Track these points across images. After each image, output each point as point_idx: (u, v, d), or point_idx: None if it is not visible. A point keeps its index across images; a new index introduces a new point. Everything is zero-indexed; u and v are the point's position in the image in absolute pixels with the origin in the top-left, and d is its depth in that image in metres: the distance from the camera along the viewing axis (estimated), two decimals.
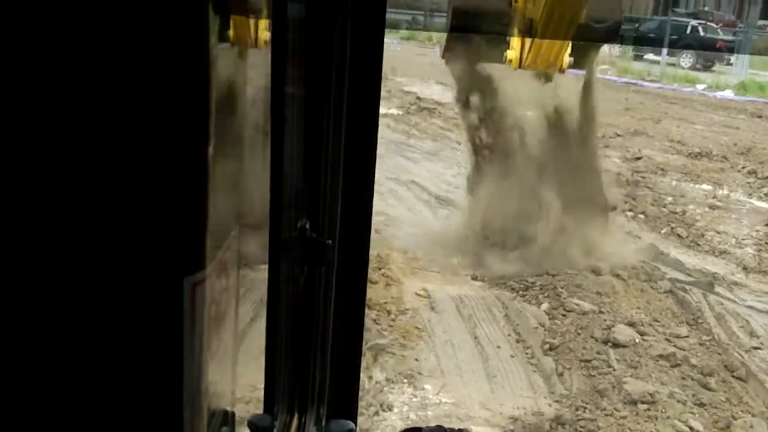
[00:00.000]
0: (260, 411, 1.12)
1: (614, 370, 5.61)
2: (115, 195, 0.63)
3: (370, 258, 1.14)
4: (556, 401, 5.24)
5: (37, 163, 0.63)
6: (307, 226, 1.06)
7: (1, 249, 0.64)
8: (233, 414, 0.86)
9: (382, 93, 1.06)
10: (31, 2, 0.59)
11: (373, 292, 6.15)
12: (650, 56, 23.25)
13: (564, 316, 6.44)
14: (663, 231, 8.91)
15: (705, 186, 10.83)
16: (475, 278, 7.36)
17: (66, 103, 0.61)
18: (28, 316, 0.66)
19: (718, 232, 8.97)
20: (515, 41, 7.91)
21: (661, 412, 5.14)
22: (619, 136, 12.91)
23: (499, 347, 5.96)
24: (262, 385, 1.12)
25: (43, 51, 0.60)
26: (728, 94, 19.16)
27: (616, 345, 5.95)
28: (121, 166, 0.63)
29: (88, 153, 0.62)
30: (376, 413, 4.85)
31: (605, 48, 13.83)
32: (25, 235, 0.64)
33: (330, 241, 1.07)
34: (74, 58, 0.60)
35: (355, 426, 1.16)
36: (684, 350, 5.94)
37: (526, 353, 5.89)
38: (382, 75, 1.08)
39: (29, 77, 0.61)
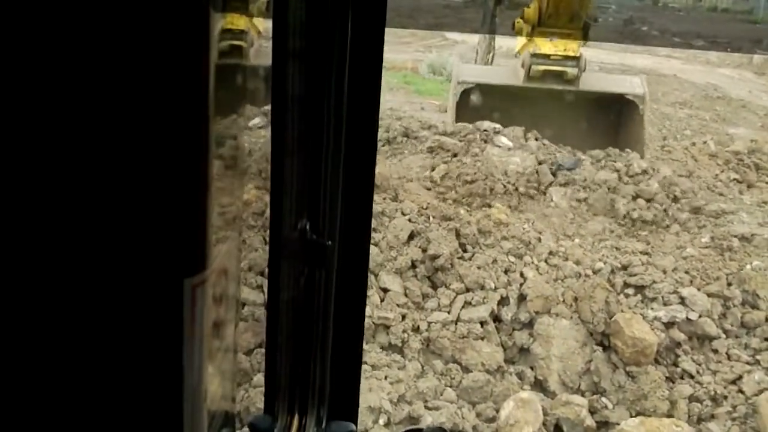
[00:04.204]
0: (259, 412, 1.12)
1: None
2: (116, 196, 0.63)
3: None
4: None
5: (38, 164, 0.63)
6: (308, 228, 1.06)
7: (1, 249, 0.64)
8: (233, 415, 0.87)
9: None
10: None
11: None
12: None
13: None
14: None
15: None
16: None
17: (66, 103, 0.62)
18: (28, 316, 0.67)
19: None
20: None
21: None
22: None
23: None
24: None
25: (44, 51, 0.60)
26: None
27: None
28: (121, 167, 0.63)
29: (89, 154, 0.63)
30: None
31: None
32: (26, 235, 0.64)
33: (330, 243, 1.07)
34: (75, 58, 0.61)
35: (356, 427, 1.16)
36: None
37: None
38: None
39: (30, 75, 0.61)
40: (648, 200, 6.74)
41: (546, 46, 7.94)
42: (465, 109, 8.18)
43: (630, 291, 5.48)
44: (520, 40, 8.41)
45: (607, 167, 7.07)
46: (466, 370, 4.98)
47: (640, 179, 6.92)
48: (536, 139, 7.50)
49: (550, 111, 8.13)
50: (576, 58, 7.99)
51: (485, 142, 7.27)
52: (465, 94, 8.25)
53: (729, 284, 5.56)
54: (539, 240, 5.91)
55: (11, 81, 0.61)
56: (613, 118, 8.42)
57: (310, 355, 1.11)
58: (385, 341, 5.09)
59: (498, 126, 7.47)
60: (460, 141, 7.37)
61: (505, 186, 6.79)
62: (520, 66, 8.38)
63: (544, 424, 4.60)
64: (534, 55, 8.04)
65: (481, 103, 8.21)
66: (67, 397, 0.69)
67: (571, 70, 8.01)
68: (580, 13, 7.75)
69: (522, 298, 5.36)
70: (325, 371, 1.13)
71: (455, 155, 7.19)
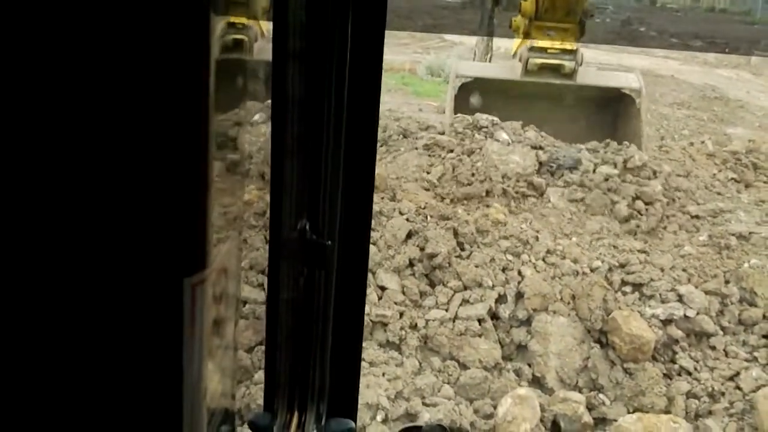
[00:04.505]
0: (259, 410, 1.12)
1: None
2: (116, 195, 0.64)
3: None
4: None
5: (37, 164, 0.63)
6: (307, 228, 1.06)
7: (0, 249, 0.65)
8: (233, 413, 0.87)
9: None
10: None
11: None
12: None
13: None
14: None
15: None
16: None
17: (66, 103, 0.62)
18: (27, 316, 0.67)
19: None
20: None
21: None
22: None
23: None
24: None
25: (42, 46, 0.60)
26: None
27: None
28: (121, 167, 0.63)
29: (88, 153, 0.63)
30: None
31: None
32: (25, 235, 0.65)
33: (330, 242, 1.08)
34: (75, 58, 0.61)
35: (355, 425, 1.17)
36: None
37: None
38: None
39: (29, 74, 0.61)
40: (648, 203, 6.73)
41: (543, 40, 7.98)
42: (463, 103, 8.20)
43: (627, 289, 5.48)
44: (517, 41, 8.45)
45: (607, 162, 7.07)
46: (464, 367, 4.98)
47: (639, 175, 6.91)
48: (534, 131, 7.51)
49: (547, 105, 8.15)
50: (573, 52, 8.02)
51: (485, 137, 7.28)
52: (463, 88, 8.27)
53: (727, 282, 5.57)
54: (537, 239, 5.92)
55: (11, 81, 0.61)
56: (610, 113, 8.40)
57: (310, 353, 1.11)
58: (383, 338, 5.09)
59: (496, 119, 7.49)
60: (458, 134, 7.38)
61: (505, 190, 6.79)
62: (517, 61, 8.41)
63: (541, 420, 4.60)
64: (531, 49, 8.08)
65: (479, 97, 8.23)
66: (67, 396, 0.69)
67: (569, 64, 8.05)
68: (576, 8, 7.80)
69: (520, 295, 5.36)
70: (325, 369, 1.13)
71: (451, 151, 7.20)
